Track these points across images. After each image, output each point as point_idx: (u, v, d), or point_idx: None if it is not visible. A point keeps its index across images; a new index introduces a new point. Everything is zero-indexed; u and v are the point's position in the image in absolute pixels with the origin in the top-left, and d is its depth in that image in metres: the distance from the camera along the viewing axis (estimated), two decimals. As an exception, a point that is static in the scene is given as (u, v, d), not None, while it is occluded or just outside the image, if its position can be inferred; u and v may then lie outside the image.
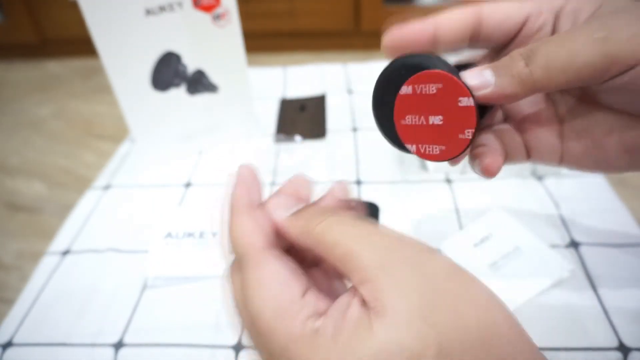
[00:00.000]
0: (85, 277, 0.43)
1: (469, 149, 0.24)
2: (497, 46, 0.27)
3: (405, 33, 0.26)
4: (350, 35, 1.83)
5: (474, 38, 0.26)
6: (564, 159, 0.28)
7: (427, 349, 0.16)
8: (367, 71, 0.71)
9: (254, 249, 0.22)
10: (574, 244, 0.41)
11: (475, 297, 0.18)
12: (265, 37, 1.84)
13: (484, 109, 0.26)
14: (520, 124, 0.29)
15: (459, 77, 0.23)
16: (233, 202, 0.24)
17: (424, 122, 0.24)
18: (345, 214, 0.21)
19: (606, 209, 0.43)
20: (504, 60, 0.23)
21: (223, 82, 0.54)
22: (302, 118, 0.62)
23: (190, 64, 0.52)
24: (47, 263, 0.44)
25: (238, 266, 0.22)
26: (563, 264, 0.38)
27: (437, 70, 0.23)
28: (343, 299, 0.19)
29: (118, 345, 0.36)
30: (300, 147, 0.57)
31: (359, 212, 0.24)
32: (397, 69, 0.24)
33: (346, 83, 0.69)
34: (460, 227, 0.43)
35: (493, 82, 0.23)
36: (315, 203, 0.24)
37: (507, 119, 0.30)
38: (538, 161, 0.29)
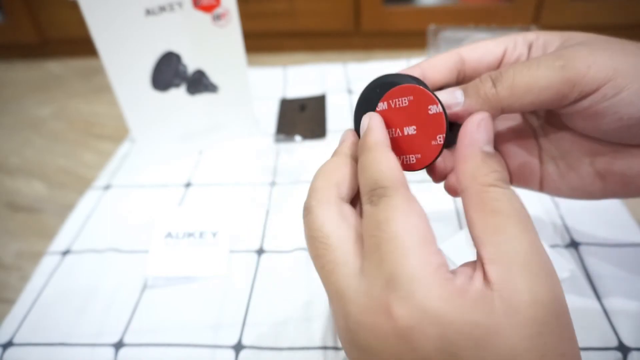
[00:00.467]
0: (85, 277, 0.43)
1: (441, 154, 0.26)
2: None
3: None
4: (350, 35, 1.83)
5: (460, 76, 0.28)
6: (543, 185, 0.30)
7: (533, 355, 0.18)
8: (367, 71, 0.71)
9: (405, 185, 0.22)
10: (574, 244, 0.41)
11: (572, 335, 0.20)
12: (265, 37, 1.84)
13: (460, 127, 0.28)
14: (500, 149, 0.31)
15: (427, 89, 0.25)
16: (374, 140, 0.24)
17: (400, 134, 0.25)
18: (514, 193, 0.22)
19: (606, 209, 0.43)
20: (475, 82, 0.25)
21: (223, 82, 0.54)
22: (302, 118, 0.62)
23: (190, 64, 0.52)
24: (47, 263, 0.44)
25: (376, 194, 0.22)
26: (563, 264, 0.38)
27: (407, 85, 0.25)
28: (468, 267, 0.21)
29: (118, 345, 0.36)
30: (300, 147, 0.57)
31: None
32: (373, 88, 0.26)
33: (346, 83, 0.69)
34: (460, 227, 0.43)
35: (462, 102, 0.25)
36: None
37: None
38: (519, 186, 0.31)
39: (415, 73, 0.27)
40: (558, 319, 0.19)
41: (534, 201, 0.45)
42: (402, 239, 0.19)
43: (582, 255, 0.39)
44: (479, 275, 0.19)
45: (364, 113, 0.26)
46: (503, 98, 0.24)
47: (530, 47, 0.28)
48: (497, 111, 0.25)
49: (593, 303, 0.36)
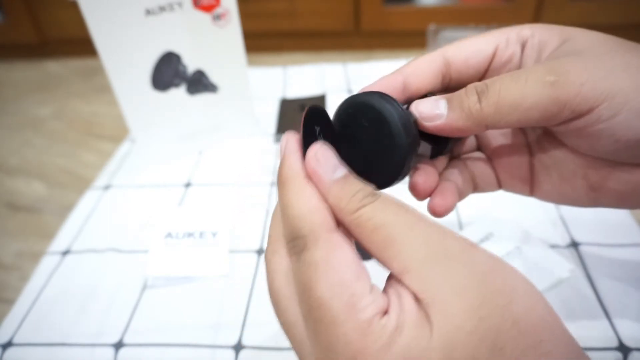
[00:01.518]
0: (85, 277, 0.43)
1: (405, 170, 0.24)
2: (471, 81, 0.27)
3: (377, 87, 0.26)
4: (350, 35, 1.83)
5: (446, 80, 0.26)
6: (533, 191, 0.29)
7: (483, 342, 0.16)
8: (367, 71, 0.71)
9: (325, 228, 0.19)
10: (574, 244, 0.41)
11: (519, 289, 0.18)
12: (265, 37, 1.84)
13: (447, 139, 0.27)
14: (492, 154, 0.30)
15: (392, 106, 0.23)
16: (287, 173, 0.21)
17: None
18: (390, 198, 0.20)
19: (606, 209, 0.43)
20: (460, 93, 0.24)
21: (223, 82, 0.54)
22: (302, 118, 0.62)
23: (190, 64, 0.52)
24: (47, 263, 0.44)
25: (298, 245, 0.20)
26: (563, 264, 0.38)
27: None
28: (394, 292, 0.18)
29: (118, 345, 0.36)
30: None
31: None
32: (346, 108, 0.24)
33: (346, 83, 0.69)
34: (460, 227, 0.43)
35: (445, 114, 0.23)
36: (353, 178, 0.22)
37: (479, 147, 0.31)
38: (509, 191, 0.30)
39: (397, 81, 0.26)
40: (493, 290, 0.17)
41: (534, 201, 0.45)
42: (328, 306, 0.18)
43: (582, 255, 0.39)
44: (407, 299, 0.18)
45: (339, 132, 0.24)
46: (487, 115, 0.22)
47: (523, 46, 0.26)
48: (482, 127, 0.23)
49: (593, 303, 0.36)
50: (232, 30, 0.51)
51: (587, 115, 0.22)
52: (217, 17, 0.50)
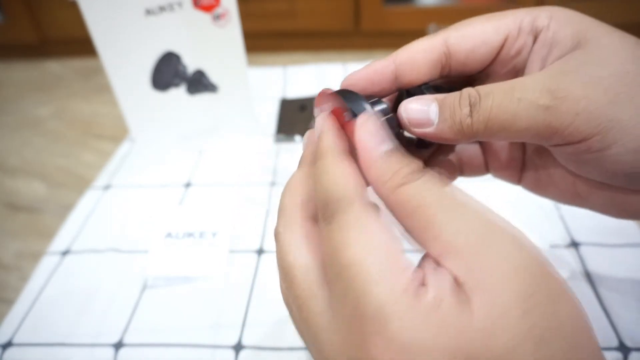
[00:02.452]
0: (85, 277, 0.43)
1: None
2: (474, 73, 0.26)
3: (366, 74, 0.25)
4: (350, 35, 1.83)
5: (446, 70, 0.25)
6: (522, 183, 0.29)
7: (527, 339, 0.15)
8: (367, 71, 0.71)
9: (360, 196, 0.19)
10: (574, 244, 0.41)
11: (565, 294, 0.17)
12: (265, 37, 1.84)
13: None
14: (484, 144, 0.29)
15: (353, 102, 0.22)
16: (326, 146, 0.21)
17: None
18: (436, 178, 0.19)
19: (606, 209, 0.43)
20: (454, 102, 0.22)
21: (223, 82, 0.54)
22: (302, 118, 0.62)
23: (190, 64, 0.52)
24: (47, 263, 0.44)
25: (329, 212, 0.19)
26: (563, 264, 0.38)
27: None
28: (430, 269, 0.17)
29: (118, 345, 0.36)
30: (300, 147, 0.57)
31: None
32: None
33: (346, 83, 0.69)
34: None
35: (434, 123, 0.22)
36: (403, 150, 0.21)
37: None
38: (496, 177, 0.30)
39: (388, 70, 0.24)
40: (543, 285, 0.16)
41: (534, 201, 0.45)
42: (362, 264, 0.17)
43: (582, 255, 0.39)
44: (446, 278, 0.17)
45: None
46: (477, 131, 0.22)
47: (536, 38, 0.24)
48: (471, 140, 0.23)
49: (593, 303, 0.36)
50: (232, 30, 0.51)
51: (578, 144, 0.21)
52: (217, 17, 0.50)
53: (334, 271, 0.18)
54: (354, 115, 0.21)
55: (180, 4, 0.48)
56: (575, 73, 0.21)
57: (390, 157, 0.19)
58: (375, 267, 0.17)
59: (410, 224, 0.18)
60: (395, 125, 0.23)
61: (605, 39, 0.22)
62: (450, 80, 0.27)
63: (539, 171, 0.27)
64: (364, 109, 0.21)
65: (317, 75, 0.72)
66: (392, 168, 0.19)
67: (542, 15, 0.23)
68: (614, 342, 0.33)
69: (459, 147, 0.29)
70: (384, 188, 0.19)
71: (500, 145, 0.29)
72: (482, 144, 0.29)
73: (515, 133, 0.21)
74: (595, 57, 0.21)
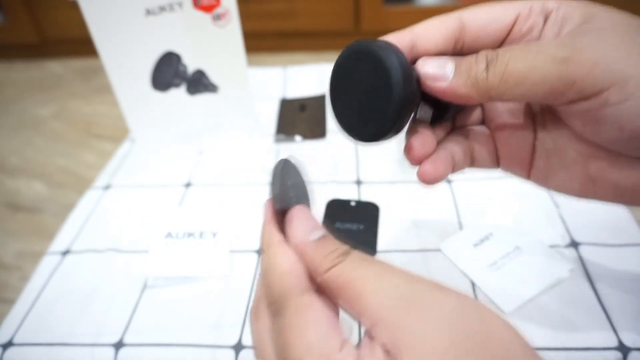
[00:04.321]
0: (85, 277, 0.43)
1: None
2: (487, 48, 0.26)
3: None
4: (350, 35, 1.83)
5: (459, 45, 0.25)
6: (531, 175, 0.28)
7: None
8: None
9: (296, 292, 0.21)
10: (574, 244, 0.41)
11: (493, 332, 0.17)
12: (265, 37, 1.84)
13: (450, 105, 0.26)
14: (496, 129, 0.29)
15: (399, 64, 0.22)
16: (265, 240, 0.23)
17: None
18: (360, 255, 0.21)
19: (606, 209, 0.43)
20: (470, 59, 0.23)
21: (223, 82, 0.54)
22: (302, 118, 0.62)
23: (190, 64, 0.52)
24: (47, 263, 0.44)
25: (274, 309, 0.21)
26: (563, 264, 0.38)
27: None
28: (366, 346, 0.19)
29: (118, 345, 0.36)
30: (300, 147, 0.57)
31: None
32: (348, 56, 0.24)
33: (346, 83, 0.69)
34: (460, 227, 0.43)
35: (450, 77, 0.23)
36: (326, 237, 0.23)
37: (484, 121, 0.30)
38: (506, 170, 0.29)
39: (406, 39, 0.24)
40: (468, 333, 0.17)
41: (534, 201, 0.45)
42: None
43: (582, 255, 0.39)
44: (378, 351, 0.18)
45: (339, 83, 0.25)
46: (492, 86, 0.22)
47: (546, 18, 0.24)
48: (485, 98, 0.23)
49: (593, 303, 0.36)
50: (232, 30, 0.51)
51: (594, 98, 0.21)
52: (217, 17, 0.50)
53: None
54: (281, 204, 0.23)
55: (180, 4, 0.48)
56: (589, 34, 0.21)
57: (321, 243, 0.21)
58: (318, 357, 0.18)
59: (343, 301, 0.20)
60: (415, 81, 0.23)
61: (609, 13, 0.22)
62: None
63: (550, 155, 0.27)
64: (289, 203, 0.23)
65: (317, 75, 0.72)
66: (322, 254, 0.21)
67: (550, 1, 0.24)
68: (614, 342, 0.33)
69: (472, 135, 0.29)
70: (316, 272, 0.21)
71: (511, 132, 0.28)
72: (493, 134, 0.29)
73: (530, 87, 0.21)
74: (606, 22, 0.22)
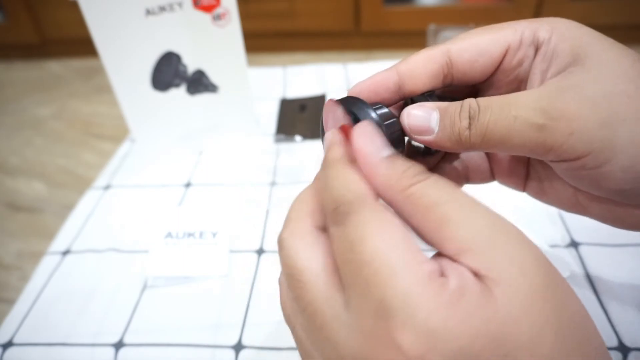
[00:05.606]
0: (85, 277, 0.43)
1: None
2: (477, 82, 0.26)
3: (370, 84, 0.25)
4: (350, 35, 1.83)
5: (448, 80, 0.25)
6: (526, 190, 0.29)
7: (547, 328, 0.16)
8: (367, 71, 0.70)
9: (372, 196, 0.19)
10: (574, 244, 0.41)
11: (570, 288, 0.18)
12: (265, 37, 1.84)
13: None
14: (491, 153, 0.30)
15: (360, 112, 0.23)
16: (332, 156, 0.21)
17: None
18: (443, 178, 0.19)
19: (606, 209, 0.43)
20: (454, 112, 0.23)
21: (223, 82, 0.54)
22: (302, 118, 0.62)
23: (190, 64, 0.52)
24: (47, 263, 0.44)
25: (340, 214, 0.19)
26: (563, 264, 0.38)
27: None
28: (447, 263, 0.17)
29: (118, 345, 0.36)
30: (300, 147, 0.57)
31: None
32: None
33: (346, 83, 0.69)
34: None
35: (435, 131, 0.23)
36: (404, 154, 0.21)
37: None
38: (502, 184, 0.30)
39: (391, 80, 0.25)
40: (555, 280, 0.17)
41: (534, 201, 0.45)
42: (384, 257, 0.17)
43: (582, 255, 0.39)
44: (466, 271, 0.17)
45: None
46: (475, 143, 0.22)
47: (537, 50, 0.24)
48: (469, 151, 0.24)
49: (593, 303, 0.36)
50: (232, 30, 0.51)
51: (572, 162, 0.22)
52: (217, 17, 0.50)
53: (352, 269, 0.17)
54: (357, 120, 0.22)
55: (180, 4, 0.48)
56: (570, 92, 0.21)
57: (393, 161, 0.20)
58: (396, 261, 0.16)
59: (422, 224, 0.18)
60: (399, 131, 0.24)
61: (603, 55, 0.22)
62: (454, 89, 0.27)
63: (542, 180, 0.28)
64: (367, 116, 0.22)
65: (317, 75, 0.72)
66: (398, 170, 0.19)
67: (543, 28, 0.24)
68: (614, 342, 0.33)
69: (465, 155, 0.30)
70: (391, 190, 0.19)
71: (504, 155, 0.29)
72: (487, 153, 0.30)
73: (511, 148, 0.22)
74: (591, 75, 0.21)
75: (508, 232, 0.17)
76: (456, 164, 0.29)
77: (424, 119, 0.23)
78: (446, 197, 0.18)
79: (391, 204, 0.19)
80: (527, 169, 0.29)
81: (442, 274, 0.17)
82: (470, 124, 0.22)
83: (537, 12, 1.62)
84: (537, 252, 0.17)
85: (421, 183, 0.18)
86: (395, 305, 0.16)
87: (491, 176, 0.30)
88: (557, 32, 0.23)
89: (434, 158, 0.29)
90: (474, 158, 0.30)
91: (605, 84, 0.21)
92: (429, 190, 0.18)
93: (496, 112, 0.22)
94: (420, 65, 0.25)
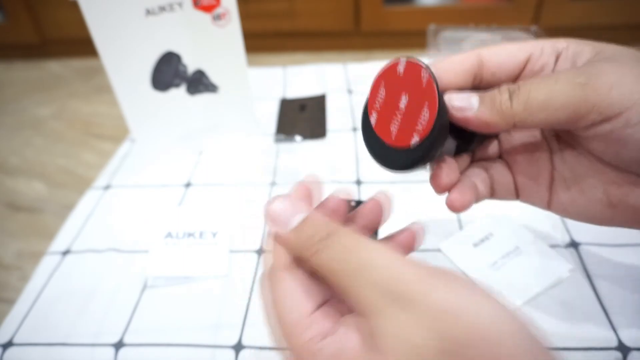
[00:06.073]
0: (85, 277, 0.43)
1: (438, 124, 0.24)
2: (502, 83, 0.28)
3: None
4: (350, 35, 1.83)
5: (477, 80, 0.27)
6: (551, 206, 0.29)
7: None
8: (367, 71, 0.71)
9: (277, 266, 0.23)
10: (574, 244, 0.41)
11: (484, 331, 0.17)
12: (265, 37, 1.84)
13: (473, 136, 0.27)
14: (514, 162, 0.30)
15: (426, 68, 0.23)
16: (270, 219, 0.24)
17: (396, 108, 0.24)
18: (340, 235, 0.21)
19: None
20: (492, 91, 0.24)
21: (223, 82, 0.54)
22: (302, 118, 0.62)
23: (191, 64, 0.52)
24: (47, 263, 0.44)
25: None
26: (563, 264, 0.38)
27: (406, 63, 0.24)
28: (350, 320, 0.20)
29: (118, 345, 0.36)
30: (300, 147, 0.57)
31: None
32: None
33: (346, 83, 0.69)
34: (460, 227, 0.43)
35: (476, 107, 0.24)
36: (313, 214, 0.23)
37: (502, 155, 0.31)
38: (526, 202, 0.30)
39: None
40: (453, 330, 0.17)
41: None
42: (284, 319, 0.21)
43: (582, 255, 0.39)
44: (352, 334, 0.20)
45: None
46: (516, 113, 0.23)
47: (558, 57, 0.26)
48: (509, 125, 0.24)
49: (593, 303, 0.36)
50: (232, 30, 0.51)
51: (615, 119, 0.22)
52: (217, 17, 0.50)
53: (275, 322, 0.22)
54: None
55: (180, 4, 0.48)
56: (602, 62, 0.23)
57: (300, 229, 0.22)
58: (286, 328, 0.21)
59: (332, 285, 0.21)
60: (444, 113, 0.24)
61: (616, 48, 0.24)
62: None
63: (569, 185, 0.27)
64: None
65: (317, 75, 0.72)
66: (304, 238, 0.22)
67: (560, 42, 0.26)
68: (614, 342, 0.33)
69: (489, 168, 0.30)
70: (304, 258, 0.22)
71: (529, 164, 0.29)
72: (511, 167, 0.30)
73: (553, 112, 0.23)
74: (614, 54, 0.24)
75: (397, 288, 0.18)
76: (482, 177, 0.30)
77: (464, 98, 0.25)
78: (341, 266, 0.20)
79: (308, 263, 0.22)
80: (551, 173, 0.28)
81: (324, 336, 0.20)
82: (511, 97, 0.23)
83: (537, 12, 1.62)
84: (434, 305, 0.17)
85: (322, 251, 0.21)
86: (296, 355, 0.20)
87: (515, 193, 0.30)
88: (573, 42, 0.26)
89: (462, 161, 0.29)
90: (499, 172, 0.30)
91: (630, 58, 0.23)
92: (326, 258, 0.20)
93: (537, 81, 0.23)
94: (456, 64, 0.26)
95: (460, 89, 0.26)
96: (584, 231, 0.42)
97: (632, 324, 0.34)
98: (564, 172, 0.28)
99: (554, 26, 1.61)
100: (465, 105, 0.24)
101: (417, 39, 1.40)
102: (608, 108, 0.22)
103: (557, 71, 0.24)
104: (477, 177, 0.29)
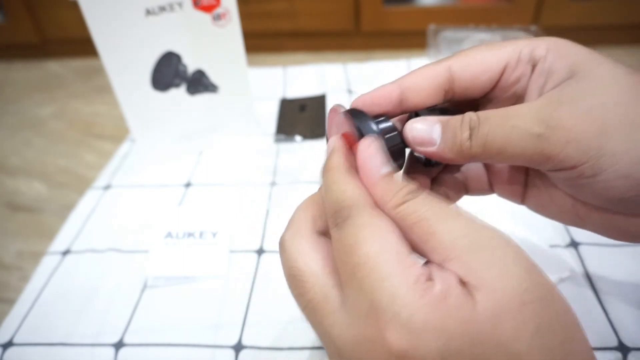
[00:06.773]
0: (86, 277, 0.43)
1: None
2: (477, 97, 0.27)
3: (372, 97, 0.26)
4: (350, 36, 1.83)
5: (449, 95, 0.26)
6: (525, 203, 0.30)
7: (526, 328, 0.17)
8: (367, 71, 0.71)
9: (368, 203, 0.21)
10: (574, 244, 0.41)
11: (554, 289, 0.18)
12: (265, 37, 1.84)
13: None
14: (488, 166, 0.30)
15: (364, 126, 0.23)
16: (333, 162, 0.23)
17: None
18: (430, 196, 0.21)
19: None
20: (455, 124, 0.24)
21: (223, 82, 0.54)
22: (302, 118, 0.62)
23: (191, 64, 0.52)
24: (47, 263, 0.44)
25: (339, 218, 0.21)
26: (563, 264, 0.38)
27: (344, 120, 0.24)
28: (436, 268, 0.19)
29: (118, 345, 0.36)
30: (300, 147, 0.57)
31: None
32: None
33: (346, 83, 0.69)
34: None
35: (437, 143, 0.24)
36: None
37: None
38: (501, 197, 0.31)
39: (394, 94, 0.25)
40: (536, 282, 0.18)
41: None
42: (375, 260, 0.18)
43: (582, 255, 0.39)
44: (451, 276, 0.18)
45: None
46: (475, 154, 0.23)
47: (534, 67, 0.25)
48: (469, 161, 0.24)
49: (593, 303, 0.36)
50: (232, 30, 0.51)
51: (570, 171, 0.22)
52: (217, 17, 0.50)
53: (348, 270, 0.19)
54: (361, 135, 0.23)
55: (180, 4, 0.48)
56: (567, 103, 0.22)
57: (389, 179, 0.21)
58: (386, 264, 0.18)
59: (412, 238, 0.20)
60: (400, 144, 0.25)
61: (598, 70, 0.23)
62: (455, 103, 0.28)
63: (541, 192, 0.28)
64: (370, 130, 0.23)
65: (317, 75, 0.72)
66: (392, 188, 0.21)
67: (540, 46, 0.25)
68: (614, 342, 0.33)
69: (465, 167, 0.30)
70: (387, 206, 0.21)
71: (503, 166, 0.30)
72: (486, 164, 0.30)
73: (510, 157, 0.23)
74: (587, 88, 0.22)
75: (490, 238, 0.19)
76: (456, 175, 0.30)
77: (426, 132, 0.24)
78: (431, 212, 0.20)
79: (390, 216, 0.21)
80: (525, 180, 0.29)
81: (430, 279, 0.18)
82: (471, 135, 0.23)
83: (537, 12, 1.62)
84: (518, 256, 0.19)
85: (411, 201, 0.20)
86: (384, 304, 0.18)
87: (490, 189, 0.31)
88: (553, 50, 0.24)
89: (435, 169, 0.29)
90: (473, 170, 0.30)
91: (600, 95, 0.22)
92: (417, 207, 0.20)
93: (495, 123, 0.23)
94: (422, 81, 0.25)
95: (427, 104, 0.26)
96: (584, 231, 0.41)
97: (632, 324, 0.34)
98: (535, 180, 0.28)
99: (553, 26, 1.61)
100: (425, 138, 0.24)
101: (417, 39, 1.40)
102: (562, 161, 0.22)
103: (518, 111, 0.23)
104: (451, 179, 0.30)
